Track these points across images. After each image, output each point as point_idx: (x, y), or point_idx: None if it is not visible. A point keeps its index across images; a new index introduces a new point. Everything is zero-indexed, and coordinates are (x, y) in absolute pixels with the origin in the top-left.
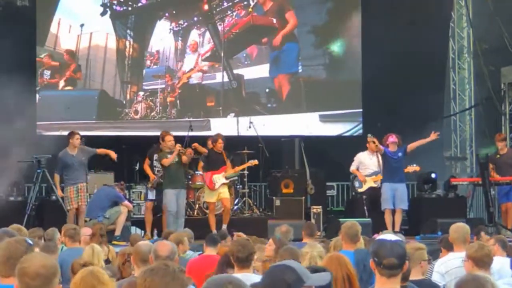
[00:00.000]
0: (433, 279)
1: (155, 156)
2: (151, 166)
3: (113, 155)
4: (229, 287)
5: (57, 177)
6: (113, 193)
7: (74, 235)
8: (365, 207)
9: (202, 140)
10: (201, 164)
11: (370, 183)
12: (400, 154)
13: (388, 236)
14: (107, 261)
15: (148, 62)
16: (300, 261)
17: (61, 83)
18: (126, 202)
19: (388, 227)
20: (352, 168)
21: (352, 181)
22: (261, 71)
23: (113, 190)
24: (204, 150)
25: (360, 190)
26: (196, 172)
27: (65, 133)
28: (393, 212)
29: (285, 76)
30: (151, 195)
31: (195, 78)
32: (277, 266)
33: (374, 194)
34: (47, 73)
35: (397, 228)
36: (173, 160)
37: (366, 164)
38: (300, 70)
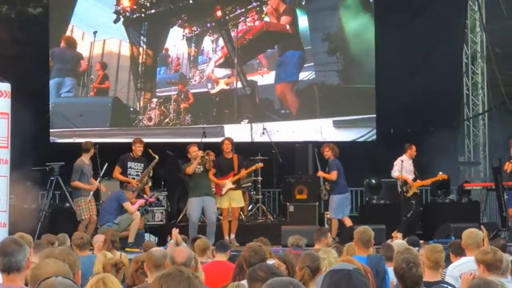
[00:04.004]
0: None
1: (130, 164)
2: (125, 175)
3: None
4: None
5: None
6: (114, 195)
7: (81, 244)
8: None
9: (216, 147)
10: (212, 170)
11: (414, 189)
12: None
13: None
14: None
15: (161, 69)
16: (320, 265)
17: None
18: (126, 203)
19: None
20: (397, 174)
21: (401, 186)
22: (274, 77)
23: (116, 192)
24: None
25: (407, 195)
26: None
27: (79, 140)
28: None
29: (286, 85)
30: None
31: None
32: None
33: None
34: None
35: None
36: (196, 168)
37: (406, 169)
38: (313, 76)
